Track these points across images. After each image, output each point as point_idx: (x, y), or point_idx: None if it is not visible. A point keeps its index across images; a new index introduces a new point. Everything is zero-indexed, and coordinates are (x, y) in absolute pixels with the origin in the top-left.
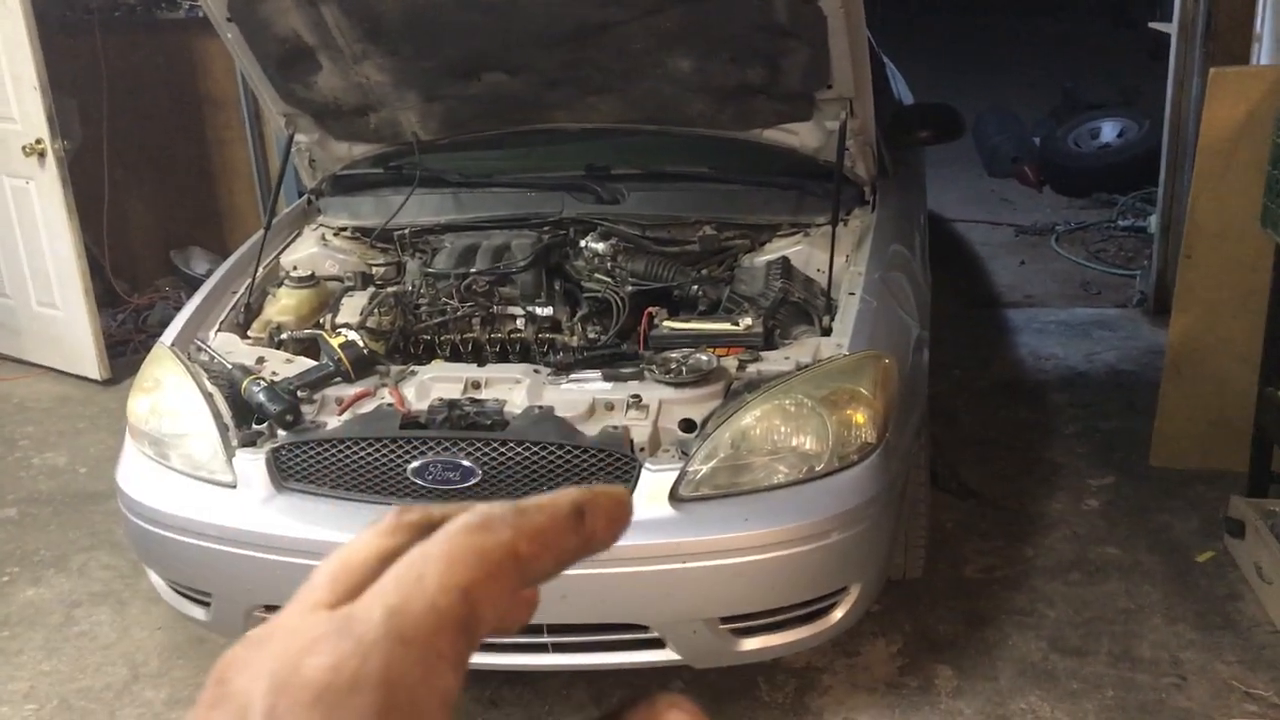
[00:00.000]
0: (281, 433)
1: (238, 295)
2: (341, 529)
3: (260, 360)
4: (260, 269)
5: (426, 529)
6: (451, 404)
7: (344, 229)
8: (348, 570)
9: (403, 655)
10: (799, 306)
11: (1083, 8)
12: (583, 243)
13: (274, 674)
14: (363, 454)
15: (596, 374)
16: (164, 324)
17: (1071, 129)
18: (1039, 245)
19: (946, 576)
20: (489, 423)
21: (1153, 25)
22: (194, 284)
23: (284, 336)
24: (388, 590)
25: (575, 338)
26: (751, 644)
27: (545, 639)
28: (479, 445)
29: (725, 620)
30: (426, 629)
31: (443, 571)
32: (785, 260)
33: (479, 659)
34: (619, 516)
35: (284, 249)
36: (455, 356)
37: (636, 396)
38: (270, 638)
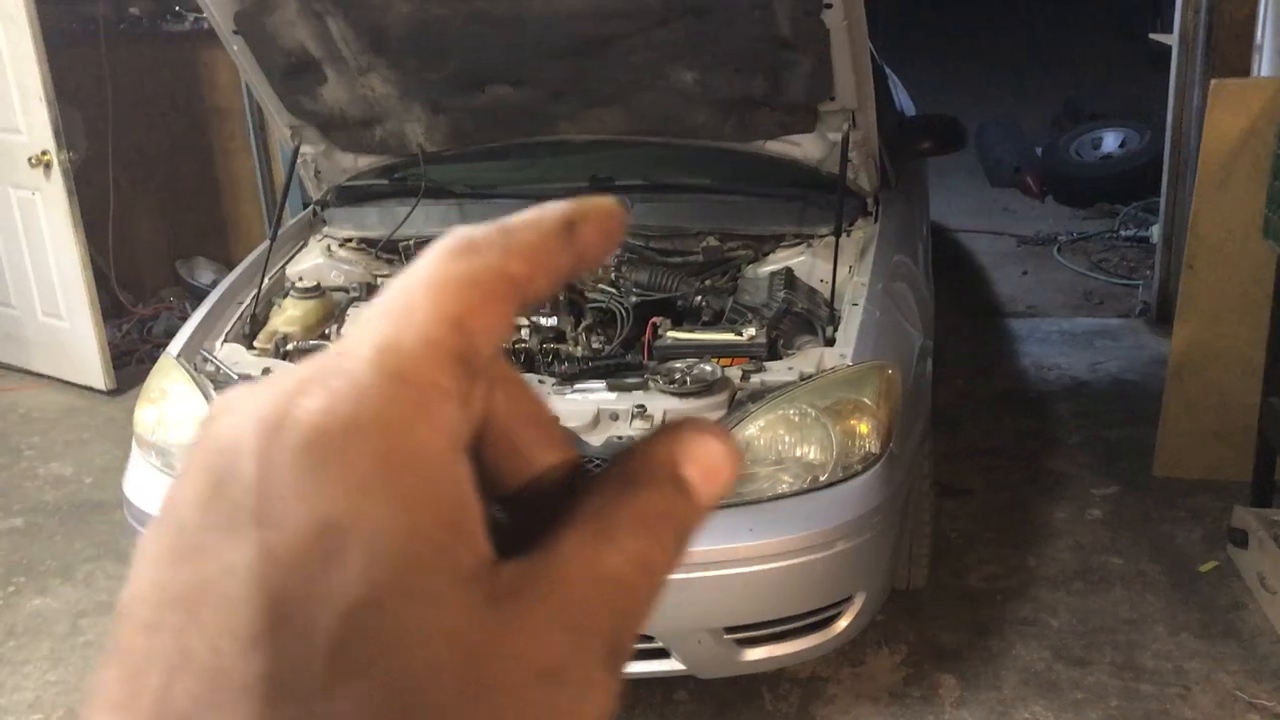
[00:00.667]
0: None
1: (244, 306)
2: None
3: (266, 371)
4: (266, 280)
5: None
6: None
7: (349, 240)
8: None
9: (400, 393)
10: (802, 317)
11: (1084, 19)
12: None
13: (264, 418)
14: None
15: (601, 384)
16: (169, 335)
17: (1073, 139)
18: (1041, 255)
19: (950, 586)
20: None
21: (1153, 36)
22: (199, 295)
23: (290, 347)
24: (376, 325)
25: (579, 348)
26: (756, 654)
27: None
28: None
29: (730, 630)
30: (423, 363)
31: (432, 301)
32: (789, 271)
33: None
34: (610, 227)
35: (289, 260)
36: None
37: (641, 407)
38: (264, 381)
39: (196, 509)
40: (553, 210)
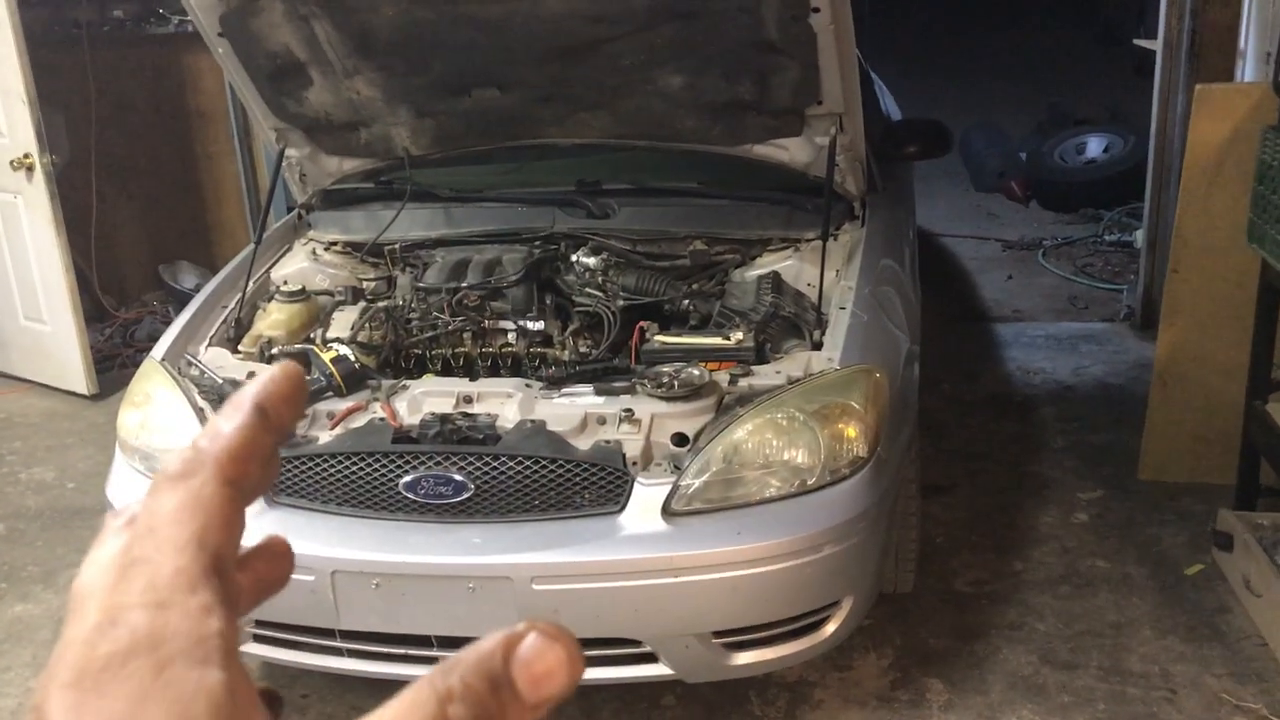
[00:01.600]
0: None
1: (228, 310)
2: (333, 544)
3: (251, 375)
4: (251, 283)
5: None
6: (443, 418)
7: (334, 243)
8: (90, 589)
9: (164, 618)
10: (790, 321)
11: (1069, 24)
12: (574, 257)
13: (64, 681)
14: (354, 469)
15: (588, 388)
16: (152, 339)
17: (1058, 144)
18: (1026, 260)
19: (937, 590)
20: (481, 437)
21: (1138, 42)
22: (182, 299)
23: (275, 351)
24: (134, 576)
25: (567, 352)
26: (744, 658)
27: None
28: (471, 460)
29: (718, 634)
30: (179, 590)
31: (171, 535)
32: (776, 275)
33: None
34: (292, 392)
35: (274, 263)
36: (447, 371)
37: (628, 411)
38: (60, 654)
39: None
40: (244, 401)
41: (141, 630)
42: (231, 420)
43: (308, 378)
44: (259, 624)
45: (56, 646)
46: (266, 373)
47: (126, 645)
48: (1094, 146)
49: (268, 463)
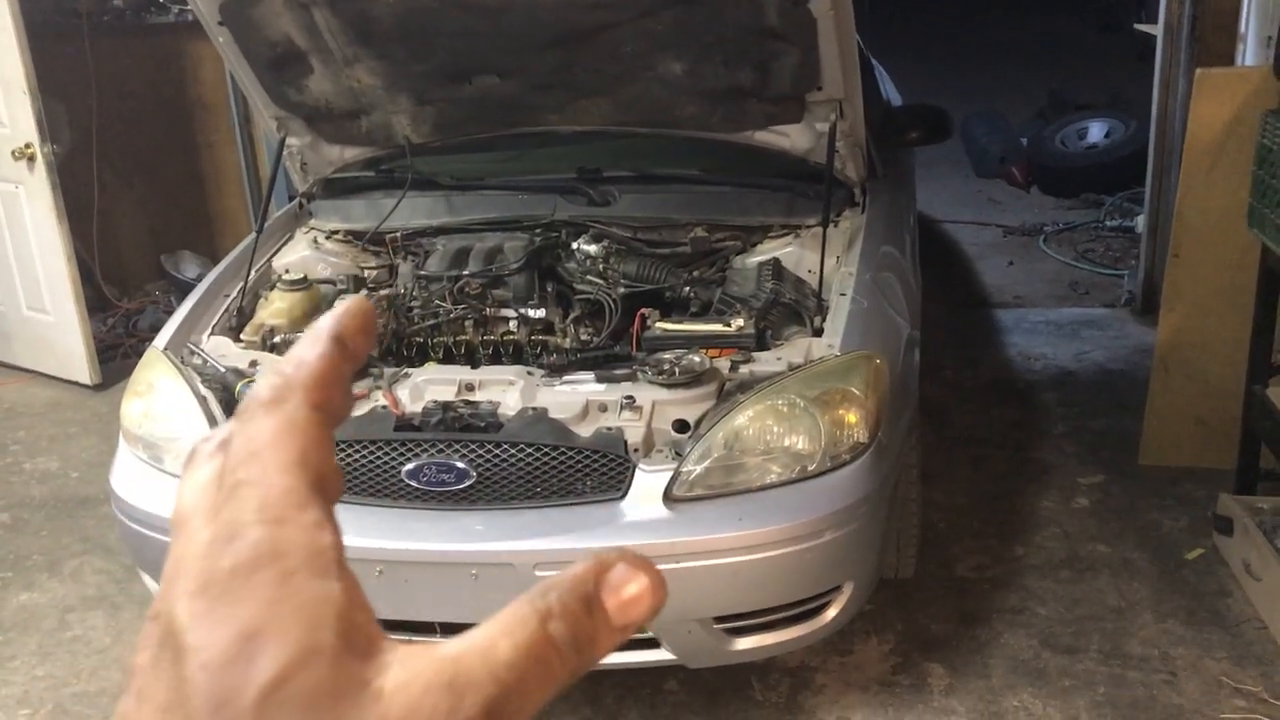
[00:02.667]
0: None
1: (230, 299)
2: None
3: (253, 363)
4: (252, 272)
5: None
6: (445, 406)
7: (336, 232)
8: (194, 509)
9: (282, 533)
10: (790, 307)
11: (1069, 9)
12: (575, 245)
13: (191, 591)
14: (357, 456)
15: (590, 375)
16: (154, 329)
17: (1059, 130)
18: (1027, 246)
19: (938, 575)
20: (483, 425)
21: (1139, 27)
22: (184, 288)
23: (277, 339)
24: (244, 496)
25: (568, 339)
26: (745, 643)
27: None
28: (473, 447)
29: (719, 620)
30: (292, 507)
31: (275, 457)
32: (776, 261)
33: None
34: (365, 323)
35: (276, 252)
36: (448, 359)
37: (630, 398)
38: (176, 568)
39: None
40: (320, 331)
41: (264, 544)
42: (313, 349)
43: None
44: None
45: (168, 563)
46: (340, 305)
47: (250, 557)
48: (1095, 132)
49: (347, 391)
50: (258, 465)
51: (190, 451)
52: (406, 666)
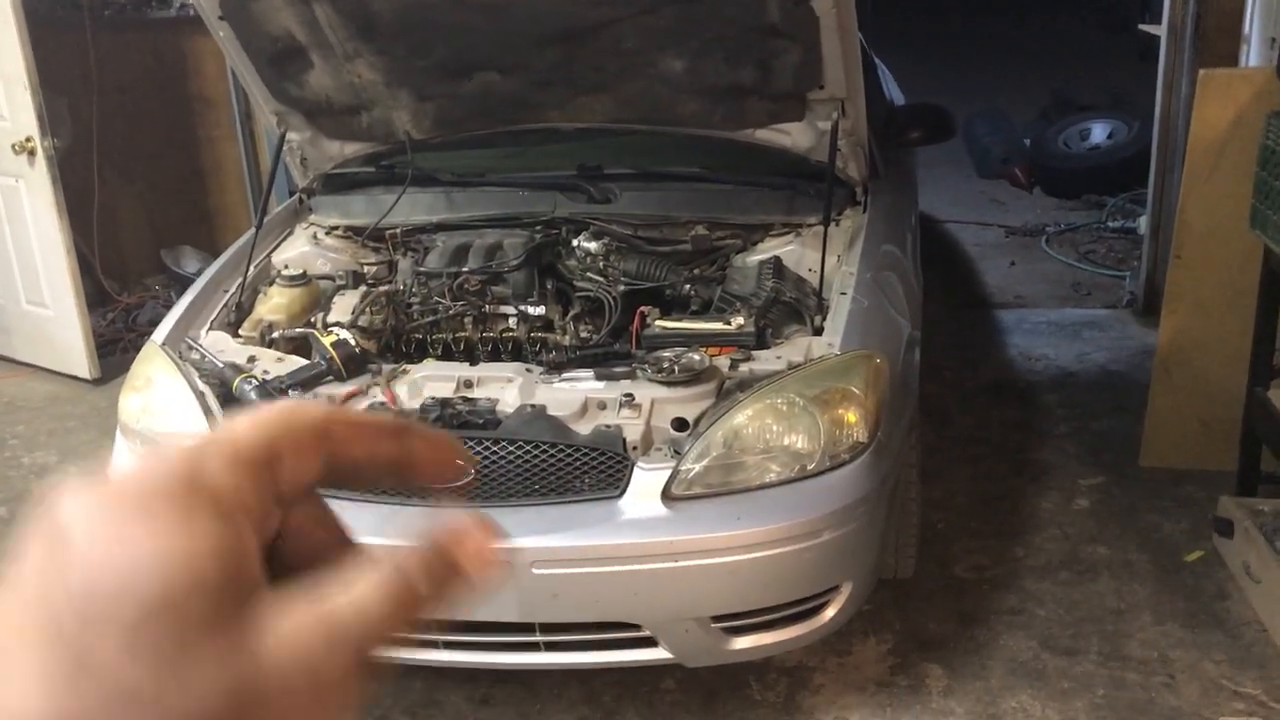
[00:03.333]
0: None
1: (229, 294)
2: None
3: (251, 359)
4: (252, 268)
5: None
6: (444, 403)
7: (335, 228)
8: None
9: (205, 464)
10: (791, 306)
11: (1072, 9)
12: (575, 242)
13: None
14: None
15: (589, 373)
16: (154, 323)
17: (1061, 130)
18: (1029, 246)
19: (937, 576)
20: (481, 422)
21: (1142, 27)
22: (184, 283)
23: (275, 335)
24: (215, 436)
25: (568, 337)
26: (743, 643)
27: (537, 638)
28: (471, 444)
29: (717, 619)
30: (243, 461)
31: (251, 423)
32: (777, 260)
33: (472, 657)
34: (442, 454)
35: (275, 248)
36: (447, 355)
37: (629, 395)
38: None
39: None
40: (393, 420)
41: (184, 468)
42: (370, 414)
43: (307, 361)
44: None
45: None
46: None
47: (167, 478)
48: (1098, 132)
49: (365, 459)
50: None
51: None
52: (287, 618)
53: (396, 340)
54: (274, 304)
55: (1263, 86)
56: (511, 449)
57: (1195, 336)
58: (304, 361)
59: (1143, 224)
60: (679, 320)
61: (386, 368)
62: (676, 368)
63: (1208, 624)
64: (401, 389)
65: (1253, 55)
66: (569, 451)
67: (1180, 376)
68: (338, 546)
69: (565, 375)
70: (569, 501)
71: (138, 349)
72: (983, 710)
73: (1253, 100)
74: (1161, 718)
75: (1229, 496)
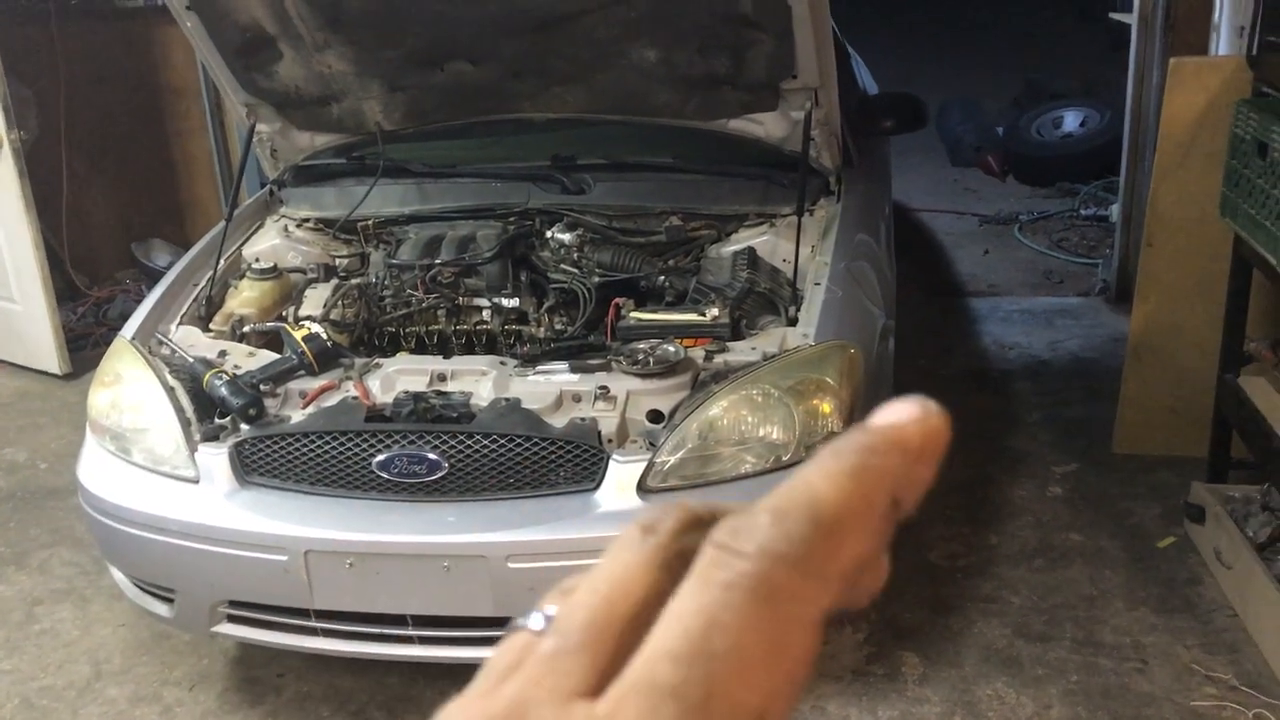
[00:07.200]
0: (244, 427)
1: (199, 288)
2: (306, 524)
3: (222, 353)
4: (222, 261)
5: (686, 553)
6: (417, 397)
7: (307, 220)
8: (610, 624)
9: None
10: (765, 297)
11: None
12: (549, 233)
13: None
14: (327, 448)
15: (563, 365)
16: (124, 317)
17: (1034, 118)
18: (1002, 234)
19: (911, 564)
20: (455, 415)
21: (1113, 16)
22: (155, 276)
23: (246, 329)
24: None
25: (542, 329)
26: None
27: None
28: (445, 438)
29: None
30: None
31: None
32: (751, 250)
33: (448, 652)
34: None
35: (246, 240)
36: (420, 349)
37: (604, 388)
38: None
39: None
40: (909, 425)
41: None
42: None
43: (278, 356)
44: (233, 604)
45: None
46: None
47: None
48: (1070, 121)
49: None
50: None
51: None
52: None
53: (369, 334)
54: (245, 298)
55: (1232, 75)
56: (486, 443)
57: (1167, 324)
58: (275, 356)
59: (1115, 212)
60: (654, 312)
61: (359, 361)
62: (651, 360)
63: (1180, 609)
64: (374, 383)
65: (1222, 44)
66: (544, 445)
67: (1152, 364)
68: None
69: (540, 368)
70: (544, 495)
71: (108, 343)
72: (958, 698)
73: (1222, 89)
74: (1134, 703)
75: (1200, 483)
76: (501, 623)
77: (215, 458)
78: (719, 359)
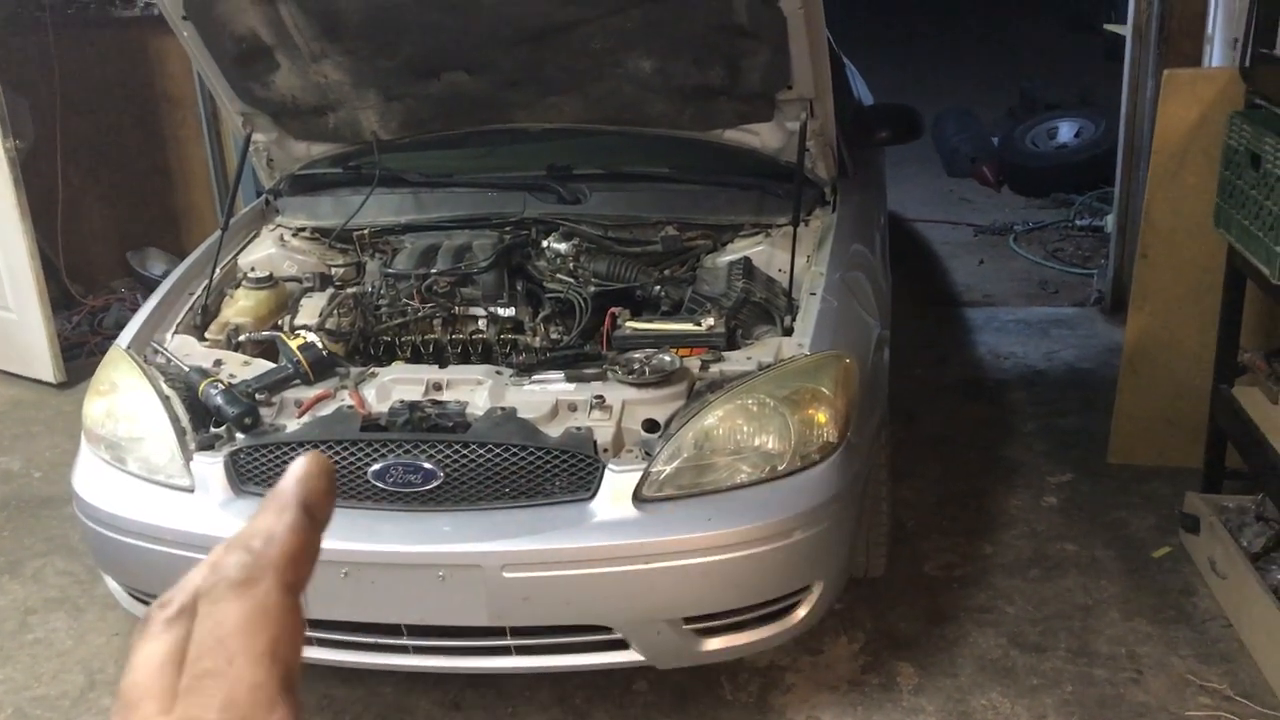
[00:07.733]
0: (240, 436)
1: (195, 297)
2: None
3: (218, 362)
4: (218, 270)
5: (192, 609)
6: (413, 406)
7: (302, 229)
8: (147, 690)
9: None
10: (761, 307)
11: (1040, 9)
12: (545, 243)
13: None
14: None
15: (559, 375)
16: (120, 326)
17: (1029, 129)
18: (997, 245)
19: (907, 574)
20: (451, 424)
21: (1108, 27)
22: (150, 285)
23: (242, 338)
24: (208, 690)
25: (538, 338)
26: (715, 644)
27: (508, 641)
28: (441, 447)
29: (689, 620)
30: (259, 706)
31: (245, 647)
32: (747, 260)
33: (443, 662)
34: (330, 485)
35: (242, 249)
36: (416, 358)
37: (600, 397)
38: None
39: None
40: (287, 499)
41: None
42: (282, 520)
43: (274, 365)
44: None
45: None
46: (300, 467)
47: None
48: (1065, 131)
49: (313, 565)
50: (224, 655)
51: (144, 618)
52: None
53: (364, 343)
54: (240, 306)
55: (1226, 86)
56: (481, 452)
57: (1161, 334)
58: (271, 365)
59: (1110, 222)
60: (649, 321)
61: (354, 371)
62: (647, 369)
63: (1174, 619)
64: (370, 392)
65: (1216, 56)
66: (539, 454)
67: (1147, 374)
68: None
69: (535, 377)
70: (540, 504)
71: (103, 352)
72: (953, 708)
73: (1216, 100)
74: (1129, 713)
75: (1195, 493)
76: (498, 632)
77: (210, 467)
78: (714, 369)
